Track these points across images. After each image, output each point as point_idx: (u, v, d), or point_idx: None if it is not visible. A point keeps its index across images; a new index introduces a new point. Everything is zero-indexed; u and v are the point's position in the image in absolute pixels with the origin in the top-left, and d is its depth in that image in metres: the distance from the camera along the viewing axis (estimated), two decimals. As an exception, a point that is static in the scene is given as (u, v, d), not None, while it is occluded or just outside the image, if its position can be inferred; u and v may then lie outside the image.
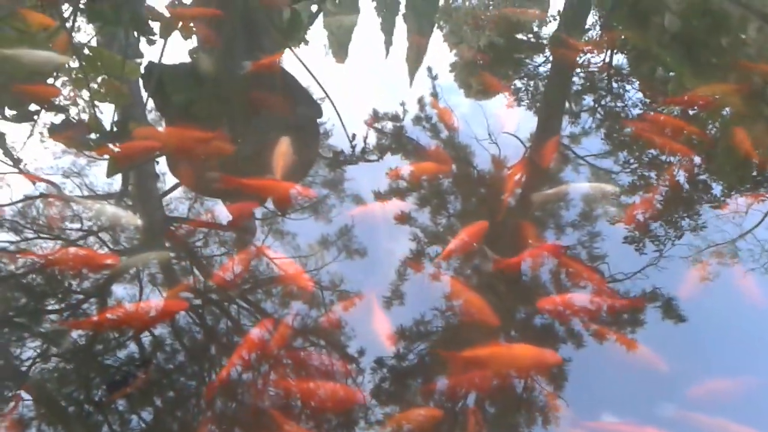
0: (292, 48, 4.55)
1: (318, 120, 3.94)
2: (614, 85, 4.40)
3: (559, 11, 5.84)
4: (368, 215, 3.21)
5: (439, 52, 4.93)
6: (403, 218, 3.14)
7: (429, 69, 4.53)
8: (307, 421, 2.32)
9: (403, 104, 4.04)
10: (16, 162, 3.48)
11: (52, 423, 2.31)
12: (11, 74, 3.75)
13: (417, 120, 3.94)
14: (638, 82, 4.35)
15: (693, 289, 2.83)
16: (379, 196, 3.29)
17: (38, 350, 2.50)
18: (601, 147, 3.72)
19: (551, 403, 2.38)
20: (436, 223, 3.17)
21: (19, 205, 3.15)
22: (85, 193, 3.32)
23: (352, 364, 2.49)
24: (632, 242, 3.04)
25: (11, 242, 2.94)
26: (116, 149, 3.52)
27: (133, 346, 2.55)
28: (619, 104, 4.15)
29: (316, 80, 4.18)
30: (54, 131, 3.69)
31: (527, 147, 3.67)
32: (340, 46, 4.95)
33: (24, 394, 2.37)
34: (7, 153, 3.54)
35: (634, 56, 4.69)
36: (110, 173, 3.43)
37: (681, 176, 3.47)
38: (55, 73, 4.04)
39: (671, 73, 4.35)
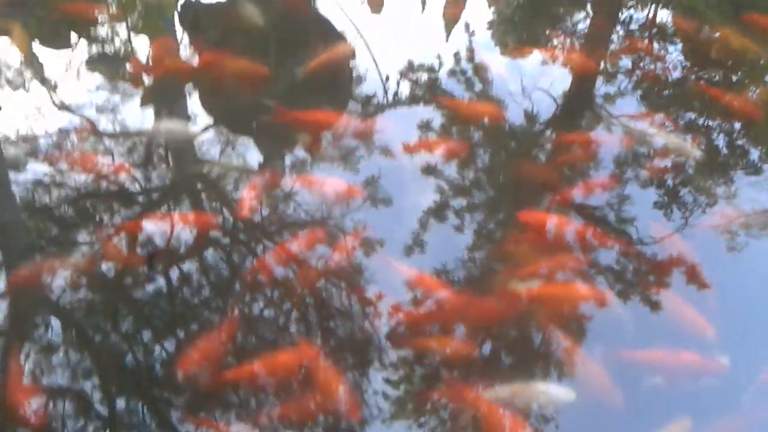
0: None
1: (351, 62, 3.91)
2: (657, 44, 4.28)
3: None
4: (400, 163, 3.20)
5: (477, 7, 4.81)
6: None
7: (466, 25, 4.44)
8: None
9: (438, 57, 3.99)
10: (53, 94, 3.52)
11: (80, 351, 2.39)
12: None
13: (452, 74, 3.88)
14: (682, 42, 4.23)
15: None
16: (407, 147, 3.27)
17: (68, 280, 2.57)
18: (639, 107, 3.64)
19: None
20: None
21: (54, 137, 3.20)
22: (118, 128, 3.36)
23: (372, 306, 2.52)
24: (662, 207, 3.00)
25: (45, 174, 2.99)
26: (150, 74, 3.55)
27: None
28: (659, 64, 4.04)
29: (352, 22, 4.13)
30: (90, 63, 3.72)
31: (560, 105, 3.63)
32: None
33: (53, 322, 2.47)
34: (46, 83, 3.58)
35: (679, 13, 4.54)
36: (144, 103, 3.47)
37: (719, 140, 3.42)
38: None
39: (717, 34, 4.21)
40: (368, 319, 2.47)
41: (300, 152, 3.21)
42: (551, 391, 2.19)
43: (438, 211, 2.95)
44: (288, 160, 3.19)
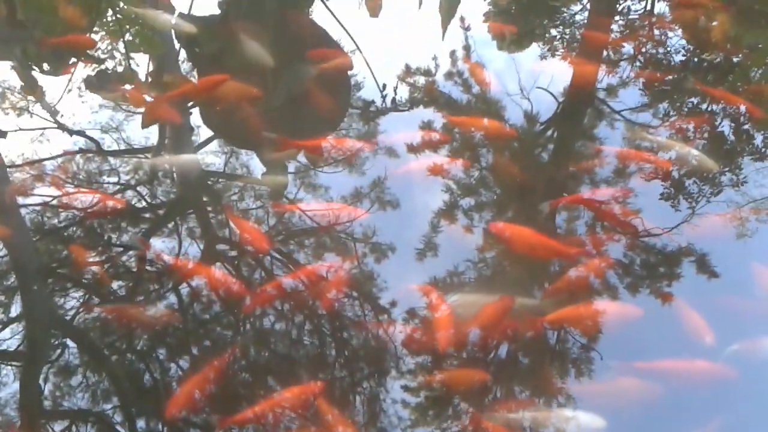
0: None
1: (349, 72, 3.91)
2: (655, 32, 4.27)
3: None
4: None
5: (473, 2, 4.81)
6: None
7: (462, 20, 4.44)
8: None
9: (435, 58, 3.99)
10: (55, 117, 3.55)
11: (96, 370, 2.42)
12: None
13: (449, 75, 3.88)
14: (680, 30, 4.21)
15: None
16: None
17: (81, 300, 2.59)
18: (639, 99, 3.63)
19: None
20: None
21: (59, 159, 3.22)
22: (122, 147, 3.38)
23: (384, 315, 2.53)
24: (669, 198, 3.00)
25: (52, 196, 3.01)
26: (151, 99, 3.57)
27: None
28: (659, 53, 4.03)
29: (347, 32, 4.14)
30: (90, 83, 3.74)
31: (561, 102, 3.62)
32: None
33: (69, 342, 2.49)
34: (46, 107, 3.60)
35: (676, 3, 4.52)
36: (145, 124, 3.49)
37: (723, 127, 3.40)
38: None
39: (714, 22, 4.20)
40: (380, 348, 2.47)
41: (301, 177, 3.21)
42: (581, 420, 2.17)
43: (441, 235, 2.92)
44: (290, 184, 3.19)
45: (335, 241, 2.83)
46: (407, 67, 3.89)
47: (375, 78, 3.82)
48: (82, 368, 2.41)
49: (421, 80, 3.82)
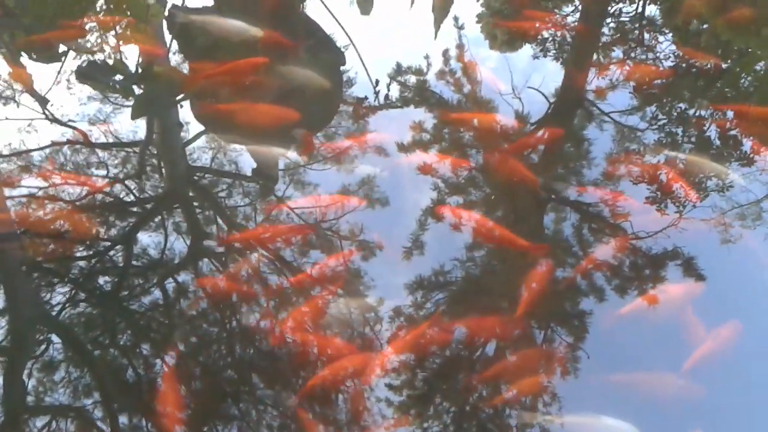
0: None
1: (341, 68, 3.90)
2: (646, 36, 4.28)
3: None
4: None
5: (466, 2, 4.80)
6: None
7: (455, 19, 4.43)
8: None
9: (427, 57, 3.98)
10: (44, 107, 3.51)
11: (80, 365, 2.40)
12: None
13: (441, 73, 3.87)
14: (671, 34, 4.23)
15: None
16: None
17: (67, 295, 2.57)
18: (629, 102, 3.63)
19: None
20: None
21: (47, 150, 3.19)
22: (111, 139, 3.35)
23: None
24: (654, 202, 3.01)
25: (39, 188, 2.98)
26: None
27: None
28: (650, 56, 4.04)
29: (341, 26, 4.12)
30: (80, 74, 3.70)
31: (551, 102, 3.63)
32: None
33: (54, 337, 2.47)
34: (36, 97, 3.56)
35: (667, 7, 4.54)
36: (135, 115, 3.45)
37: (711, 132, 3.41)
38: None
39: (705, 26, 4.23)
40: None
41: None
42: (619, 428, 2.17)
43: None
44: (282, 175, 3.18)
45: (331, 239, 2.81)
46: (400, 64, 3.88)
47: (368, 73, 3.80)
48: (66, 363, 2.38)
49: (413, 78, 3.81)
